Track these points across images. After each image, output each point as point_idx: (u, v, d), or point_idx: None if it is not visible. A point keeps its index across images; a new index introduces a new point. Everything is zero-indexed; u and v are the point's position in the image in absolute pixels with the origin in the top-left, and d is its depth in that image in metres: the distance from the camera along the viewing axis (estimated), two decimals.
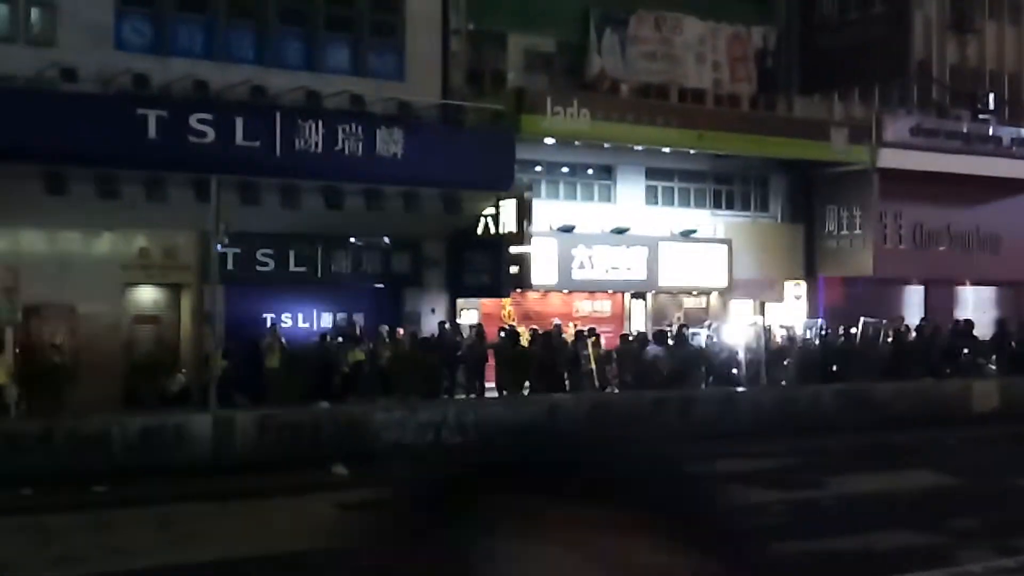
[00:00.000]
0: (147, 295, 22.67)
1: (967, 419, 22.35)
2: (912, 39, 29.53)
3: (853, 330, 26.34)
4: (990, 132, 30.76)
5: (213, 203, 18.43)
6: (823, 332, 26.36)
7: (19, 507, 13.71)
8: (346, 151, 21.89)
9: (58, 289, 20.24)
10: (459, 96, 24.99)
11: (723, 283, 28.40)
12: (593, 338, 23.49)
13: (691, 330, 25.33)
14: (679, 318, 27.25)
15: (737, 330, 25.26)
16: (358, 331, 22.47)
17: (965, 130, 30.31)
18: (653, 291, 27.73)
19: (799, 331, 26.50)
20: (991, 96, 32.28)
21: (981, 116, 31.41)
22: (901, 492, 15.36)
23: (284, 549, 11.40)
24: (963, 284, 32.00)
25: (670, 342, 23.75)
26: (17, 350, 19.06)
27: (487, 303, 25.46)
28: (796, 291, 30.08)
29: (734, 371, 23.84)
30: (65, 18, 21.06)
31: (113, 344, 20.97)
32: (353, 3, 24.48)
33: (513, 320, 25.05)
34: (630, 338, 24.67)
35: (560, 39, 27.17)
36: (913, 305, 31.20)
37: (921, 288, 31.53)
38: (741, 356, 23.79)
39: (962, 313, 30.21)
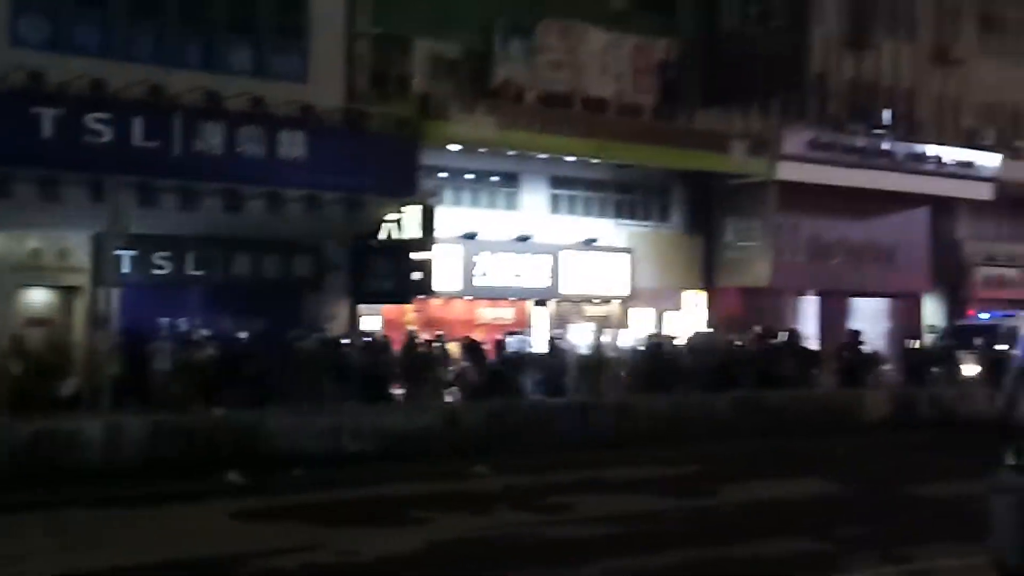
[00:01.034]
0: (39, 297, 22.10)
1: (858, 427, 22.78)
2: (810, 54, 30.14)
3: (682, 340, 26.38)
4: (885, 147, 31.47)
5: (110, 204, 18.13)
6: (657, 344, 25.94)
7: None
8: (247, 153, 21.63)
9: None
10: (363, 100, 24.83)
11: (625, 292, 28.69)
12: (439, 344, 23.34)
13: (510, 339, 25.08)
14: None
15: (546, 338, 25.45)
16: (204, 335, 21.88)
17: (861, 144, 31.01)
18: (555, 299, 27.79)
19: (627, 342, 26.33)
20: (887, 111, 33.06)
21: (877, 131, 32.16)
22: (791, 499, 15.55)
23: (179, 556, 11.24)
24: (857, 295, 32.62)
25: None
26: None
27: (389, 310, 25.32)
28: (695, 301, 30.46)
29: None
30: None
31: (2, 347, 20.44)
32: (256, 4, 24.21)
33: (415, 327, 24.93)
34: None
35: (466, 46, 27.22)
36: (809, 316, 31.78)
37: (816, 299, 32.11)
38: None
39: (855, 324, 30.84)
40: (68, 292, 22.15)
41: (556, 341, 24.93)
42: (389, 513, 13.73)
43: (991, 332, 26.25)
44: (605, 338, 25.73)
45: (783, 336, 27.15)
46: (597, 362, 23.64)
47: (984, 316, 29.96)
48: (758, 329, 27.07)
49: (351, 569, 10.93)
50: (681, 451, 19.49)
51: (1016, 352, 23.43)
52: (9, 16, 21.08)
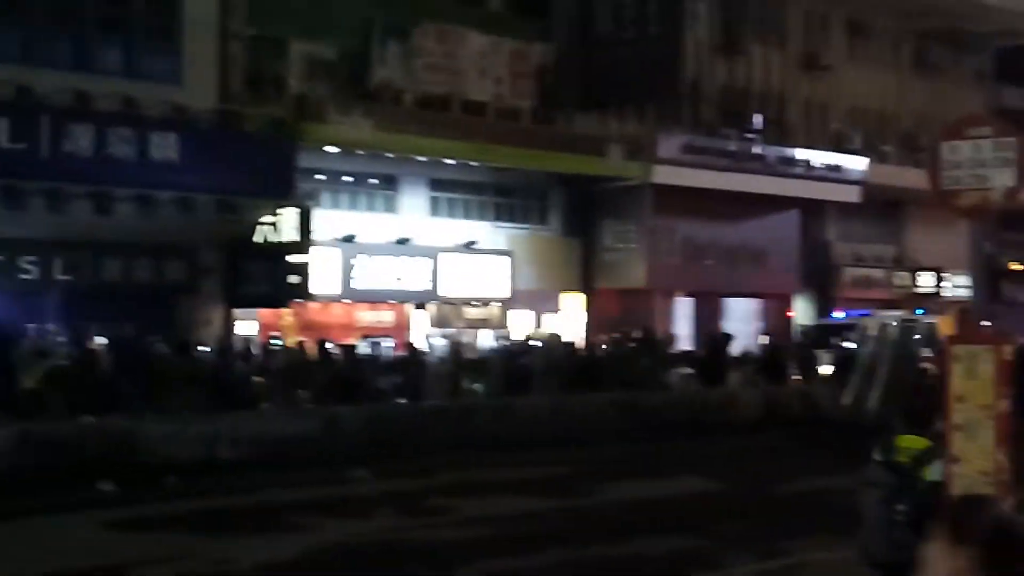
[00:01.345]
0: None
1: (731, 426, 23.09)
2: (684, 59, 30.51)
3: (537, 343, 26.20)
4: (756, 151, 32.05)
5: None
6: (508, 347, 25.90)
7: None
8: (118, 155, 21.22)
9: None
10: (238, 102, 24.60)
11: (504, 294, 28.77)
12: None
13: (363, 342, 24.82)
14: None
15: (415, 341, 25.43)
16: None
17: (733, 148, 31.57)
18: (435, 302, 27.77)
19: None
20: (758, 116, 33.70)
21: (748, 135, 32.76)
22: (670, 497, 15.73)
23: (50, 569, 11.00)
24: (730, 296, 33.15)
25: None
26: None
27: (265, 313, 25.09)
28: (574, 303, 30.69)
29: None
30: None
31: None
32: (128, 3, 23.78)
33: (293, 331, 24.70)
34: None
35: (343, 48, 27.05)
36: (683, 317, 32.21)
37: (691, 300, 32.57)
38: None
39: (728, 325, 31.35)
40: None
41: (415, 345, 24.78)
42: (268, 521, 13.57)
43: (848, 331, 26.74)
44: (466, 340, 25.82)
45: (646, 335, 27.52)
46: (454, 365, 23.55)
47: (840, 315, 30.39)
48: (616, 332, 27.32)
49: None
50: (561, 452, 19.46)
51: (863, 350, 24.06)
52: None
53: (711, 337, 28.00)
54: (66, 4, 23.06)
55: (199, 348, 21.42)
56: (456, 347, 24.26)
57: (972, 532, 3.28)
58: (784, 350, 27.75)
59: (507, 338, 26.88)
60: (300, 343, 23.01)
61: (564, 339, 26.12)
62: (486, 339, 26.83)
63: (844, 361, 24.83)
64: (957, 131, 7.11)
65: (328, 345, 22.48)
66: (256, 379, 21.10)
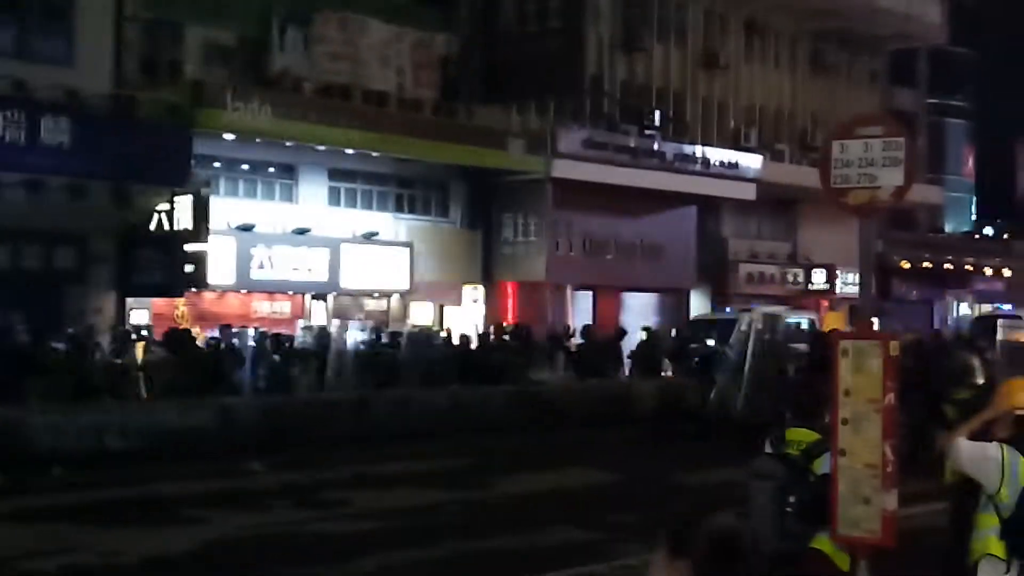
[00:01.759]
0: None
1: (626, 418, 23.27)
2: (585, 55, 30.74)
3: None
4: (655, 147, 32.35)
5: None
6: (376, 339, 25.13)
7: None
8: (6, 139, 20.76)
9: None
10: (133, 86, 24.27)
11: (404, 286, 28.75)
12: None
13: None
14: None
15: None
16: None
17: (633, 144, 31.82)
18: (335, 292, 27.64)
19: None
20: (657, 113, 34.03)
21: (647, 132, 33.05)
22: (565, 488, 15.82)
23: None
24: (628, 290, 33.41)
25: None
26: None
27: (159, 303, 24.79)
28: (474, 295, 30.74)
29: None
30: None
31: None
32: None
33: (187, 321, 24.37)
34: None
35: (241, 34, 26.93)
36: (583, 310, 32.41)
37: (590, 294, 32.78)
38: None
39: (626, 318, 31.62)
40: None
41: (278, 335, 24.19)
42: (159, 513, 13.36)
43: (728, 326, 26.85)
44: (334, 331, 25.60)
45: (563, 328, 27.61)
46: (316, 355, 23.37)
47: (728, 310, 30.40)
48: (492, 326, 27.45)
49: (113, 571, 10.70)
50: (458, 444, 19.59)
51: (731, 346, 24.23)
52: None
53: (588, 330, 28.05)
54: None
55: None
56: (323, 337, 23.80)
57: (690, 545, 3.29)
58: (659, 345, 27.82)
59: (376, 329, 26.33)
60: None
61: (442, 332, 26.26)
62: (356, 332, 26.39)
63: (706, 357, 24.95)
64: (848, 131, 7.20)
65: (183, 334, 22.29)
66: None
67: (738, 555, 3.27)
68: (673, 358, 26.82)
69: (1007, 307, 32.96)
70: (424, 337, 25.15)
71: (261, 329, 24.04)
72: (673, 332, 29.72)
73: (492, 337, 26.31)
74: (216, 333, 23.07)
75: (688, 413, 22.44)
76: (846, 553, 6.28)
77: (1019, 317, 26.70)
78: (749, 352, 22.95)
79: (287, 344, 23.14)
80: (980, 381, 10.60)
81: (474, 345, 25.59)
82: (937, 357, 18.62)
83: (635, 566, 10.81)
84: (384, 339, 24.60)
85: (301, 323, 26.36)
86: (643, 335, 27.77)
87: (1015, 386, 6.84)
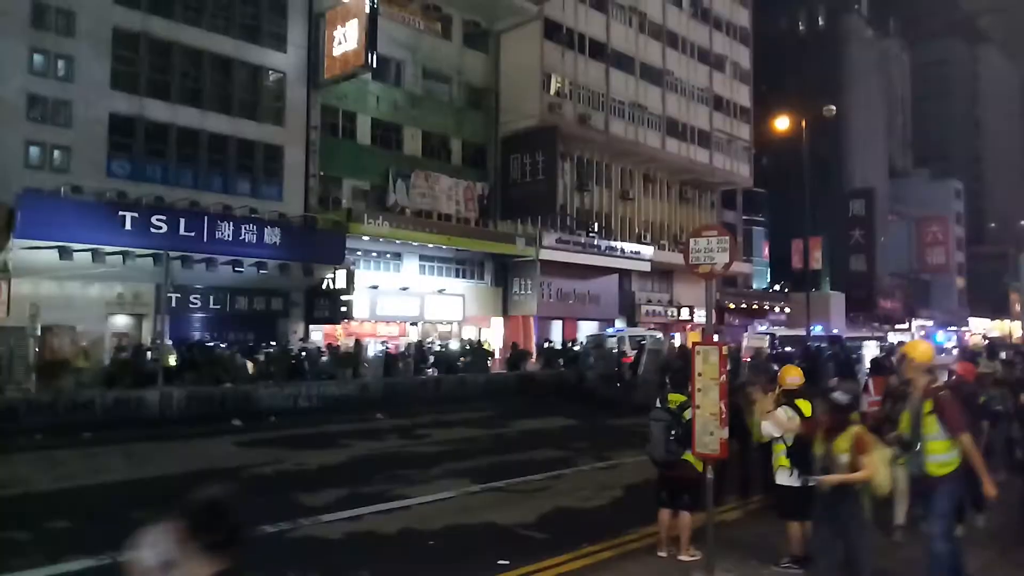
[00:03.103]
0: (122, 321, 20.96)
1: (572, 393, 22.01)
2: (556, 193, 31.09)
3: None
4: (595, 243, 32.58)
5: (164, 268, 17.48)
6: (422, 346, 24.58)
7: (33, 446, 12.50)
8: (246, 240, 21.08)
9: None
10: (314, 211, 24.53)
11: (459, 318, 28.80)
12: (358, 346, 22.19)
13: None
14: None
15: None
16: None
17: (583, 241, 32.00)
18: (421, 321, 27.73)
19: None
20: (596, 224, 34.28)
21: (591, 234, 33.28)
22: (549, 428, 15.86)
23: (201, 467, 10.76)
24: (581, 320, 33.44)
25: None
26: (36, 350, 17.10)
27: (327, 328, 24.80)
28: (497, 323, 30.84)
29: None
30: None
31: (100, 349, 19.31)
32: (253, 156, 23.74)
33: (342, 338, 24.48)
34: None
35: (373, 183, 27.21)
36: (557, 331, 32.39)
37: (561, 322, 32.85)
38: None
39: (580, 336, 31.54)
40: (138, 318, 21.02)
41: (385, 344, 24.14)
42: (326, 442, 13.41)
43: (607, 338, 25.55)
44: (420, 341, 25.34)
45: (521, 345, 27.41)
46: (411, 355, 23.18)
47: (612, 330, 29.21)
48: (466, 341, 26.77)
49: (303, 473, 10.69)
50: (489, 404, 19.43)
51: (585, 349, 23.22)
52: None
53: (514, 345, 27.35)
54: (219, 155, 22.97)
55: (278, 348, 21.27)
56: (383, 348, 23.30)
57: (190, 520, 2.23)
58: (553, 350, 27.59)
59: (444, 342, 26.11)
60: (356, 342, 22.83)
61: (475, 343, 26.19)
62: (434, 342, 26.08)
63: (572, 358, 25.18)
64: (698, 232, 7.32)
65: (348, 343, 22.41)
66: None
67: (223, 514, 2.23)
68: (559, 358, 26.59)
69: (777, 329, 31.96)
70: (471, 345, 25.37)
71: (382, 341, 24.32)
72: (570, 343, 29.25)
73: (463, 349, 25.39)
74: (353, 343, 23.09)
75: (568, 389, 22.27)
76: (701, 461, 6.36)
77: (769, 334, 25.92)
78: (598, 353, 23.11)
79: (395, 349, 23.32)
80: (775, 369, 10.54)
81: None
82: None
83: (586, 470, 11.07)
84: (450, 347, 24.84)
85: (403, 339, 26.58)
86: (547, 344, 28.21)
87: (785, 370, 7.07)
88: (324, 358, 21.10)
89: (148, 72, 21.57)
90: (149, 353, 18.36)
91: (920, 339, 7.03)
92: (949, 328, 53.46)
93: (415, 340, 25.78)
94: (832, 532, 5.23)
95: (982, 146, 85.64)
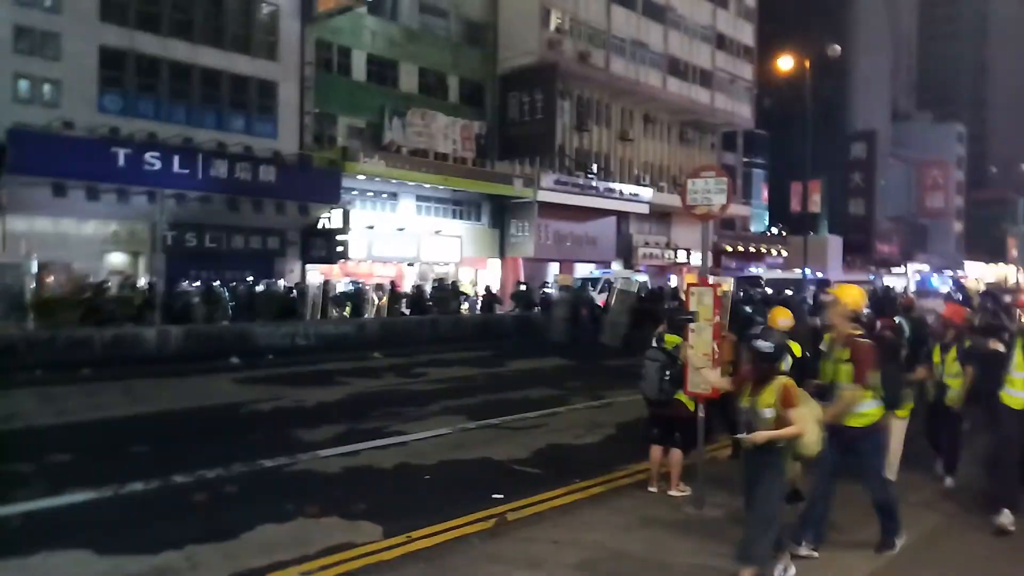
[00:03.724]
0: (118, 259, 20.89)
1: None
2: (555, 133, 30.71)
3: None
4: (594, 184, 32.38)
5: (159, 207, 17.37)
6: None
7: (32, 381, 12.61)
8: (240, 178, 20.92)
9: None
10: (309, 149, 24.26)
11: (457, 259, 28.75)
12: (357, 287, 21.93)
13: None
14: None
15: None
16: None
17: (581, 183, 31.80)
18: (418, 263, 27.72)
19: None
20: (595, 165, 34.03)
21: (589, 176, 33.04)
22: (544, 368, 15.93)
23: (203, 404, 10.88)
24: (578, 262, 33.48)
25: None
26: (32, 286, 17.04)
27: (323, 268, 24.78)
28: (494, 264, 30.85)
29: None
30: None
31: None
32: (247, 92, 23.30)
33: (340, 277, 24.48)
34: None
35: (368, 120, 26.80)
36: (552, 274, 32.43)
37: (558, 264, 32.87)
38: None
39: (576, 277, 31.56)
40: (135, 256, 20.91)
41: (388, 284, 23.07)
42: (324, 380, 13.48)
43: (596, 281, 24.92)
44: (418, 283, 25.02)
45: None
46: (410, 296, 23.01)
47: (597, 273, 28.81)
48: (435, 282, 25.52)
49: (302, 409, 10.80)
50: (486, 344, 19.48)
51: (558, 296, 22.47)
52: None
53: (488, 289, 25.98)
54: (212, 91, 22.54)
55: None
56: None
57: None
58: (530, 294, 25.34)
59: (440, 282, 24.95)
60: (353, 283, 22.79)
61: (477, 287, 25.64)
62: (430, 284, 25.09)
63: (545, 301, 23.68)
64: (696, 174, 7.25)
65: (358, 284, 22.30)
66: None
67: None
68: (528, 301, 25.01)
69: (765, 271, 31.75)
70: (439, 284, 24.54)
71: (376, 282, 24.04)
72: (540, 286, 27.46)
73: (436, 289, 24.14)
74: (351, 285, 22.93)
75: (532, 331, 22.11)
76: (693, 401, 6.44)
77: (758, 277, 25.52)
78: (559, 299, 22.11)
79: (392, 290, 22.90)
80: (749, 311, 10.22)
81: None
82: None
83: (579, 408, 11.15)
84: (446, 287, 24.65)
85: (402, 278, 26.53)
86: (521, 287, 25.91)
87: (775, 311, 7.06)
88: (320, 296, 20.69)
89: (138, 3, 20.99)
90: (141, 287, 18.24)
91: (852, 284, 6.66)
92: (945, 272, 53.69)
93: (416, 284, 25.69)
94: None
95: (987, 89, 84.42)
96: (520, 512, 6.09)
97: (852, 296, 5.26)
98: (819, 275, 29.40)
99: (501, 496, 6.46)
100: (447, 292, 23.54)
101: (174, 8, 21.72)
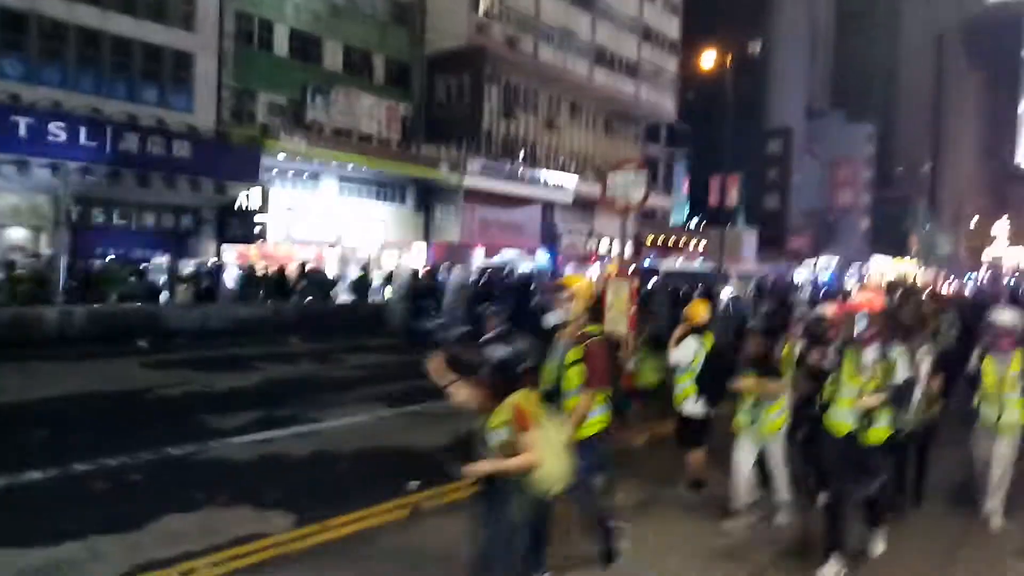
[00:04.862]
0: (18, 234, 19.76)
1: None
2: (482, 117, 30.66)
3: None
4: (519, 172, 32.51)
5: (61, 179, 16.53)
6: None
7: None
8: (153, 152, 20.09)
9: None
10: (227, 125, 23.54)
11: (381, 243, 28.48)
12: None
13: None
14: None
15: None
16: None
17: (507, 169, 31.87)
18: (340, 246, 27.30)
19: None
20: (521, 152, 34.14)
21: (516, 162, 33.13)
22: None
23: (110, 389, 10.55)
24: (504, 248, 33.59)
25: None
26: None
27: (240, 248, 24.12)
28: (419, 248, 30.68)
29: None
30: None
31: None
32: (161, 63, 22.35)
33: (257, 259, 23.86)
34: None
35: (290, 97, 26.19)
36: (478, 259, 32.48)
37: (483, 249, 32.88)
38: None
39: (504, 262, 31.73)
40: (36, 231, 19.84)
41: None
42: (238, 365, 13.18)
43: (497, 270, 23.43)
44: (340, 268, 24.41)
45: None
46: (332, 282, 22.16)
47: (497, 260, 28.65)
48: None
49: (211, 394, 10.57)
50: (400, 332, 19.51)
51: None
52: None
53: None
54: (123, 60, 21.52)
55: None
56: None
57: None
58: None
59: (364, 268, 23.88)
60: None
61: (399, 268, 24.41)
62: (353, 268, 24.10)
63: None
64: (617, 166, 7.48)
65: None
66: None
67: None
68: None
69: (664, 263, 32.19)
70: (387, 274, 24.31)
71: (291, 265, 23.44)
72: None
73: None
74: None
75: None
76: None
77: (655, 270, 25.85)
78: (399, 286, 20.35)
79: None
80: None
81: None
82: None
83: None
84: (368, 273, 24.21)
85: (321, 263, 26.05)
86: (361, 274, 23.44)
87: (693, 304, 7.19)
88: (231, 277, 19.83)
89: None
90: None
91: (578, 274, 6.26)
92: (853, 264, 56.47)
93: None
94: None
95: (896, 93, 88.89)
96: (437, 501, 6.13)
97: (582, 289, 4.62)
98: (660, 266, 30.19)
99: (418, 483, 6.51)
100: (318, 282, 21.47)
101: None
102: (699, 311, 6.66)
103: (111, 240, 20.74)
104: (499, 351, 3.64)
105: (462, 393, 3.78)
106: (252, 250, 24.29)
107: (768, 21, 60.34)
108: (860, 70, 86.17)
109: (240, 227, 22.94)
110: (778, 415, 5.67)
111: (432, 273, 21.39)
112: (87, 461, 6.87)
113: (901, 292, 14.83)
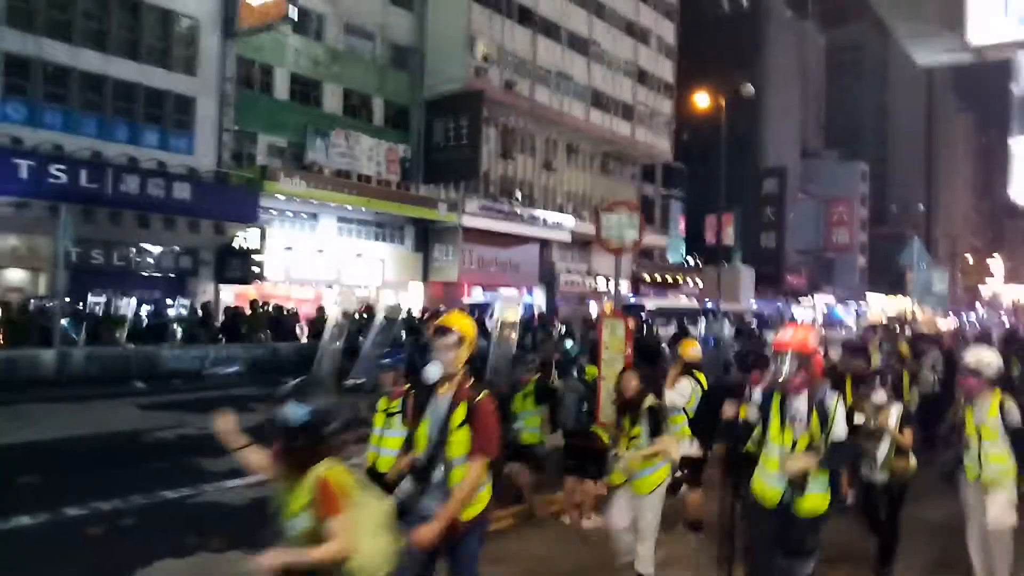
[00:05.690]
0: (16, 275, 19.74)
1: None
2: (480, 159, 30.91)
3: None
4: (517, 211, 32.69)
5: (61, 221, 16.53)
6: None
7: None
8: (153, 194, 20.21)
9: None
10: (227, 167, 23.68)
11: (379, 283, 28.50)
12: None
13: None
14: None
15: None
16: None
17: (506, 209, 32.06)
18: (338, 286, 27.28)
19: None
20: (519, 192, 34.37)
21: (514, 202, 33.34)
22: None
23: (107, 430, 10.40)
24: (502, 287, 33.60)
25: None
26: None
27: (238, 289, 24.10)
28: (417, 288, 30.67)
29: None
30: None
31: None
32: (163, 107, 22.61)
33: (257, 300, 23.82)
34: None
35: (290, 139, 26.43)
36: (477, 299, 32.43)
37: (481, 288, 32.91)
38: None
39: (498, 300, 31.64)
40: (35, 272, 19.81)
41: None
42: (234, 405, 13.01)
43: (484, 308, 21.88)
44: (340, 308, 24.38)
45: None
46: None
47: (481, 299, 28.87)
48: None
49: (208, 438, 10.34)
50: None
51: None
52: None
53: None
54: (125, 104, 21.79)
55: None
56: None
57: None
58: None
59: (368, 308, 24.45)
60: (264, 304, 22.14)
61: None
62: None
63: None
64: (610, 208, 7.48)
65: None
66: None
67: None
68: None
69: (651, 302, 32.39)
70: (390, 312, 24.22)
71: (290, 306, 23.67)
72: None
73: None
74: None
75: None
76: (607, 432, 6.23)
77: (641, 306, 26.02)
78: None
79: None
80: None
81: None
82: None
83: None
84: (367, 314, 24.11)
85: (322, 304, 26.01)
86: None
87: (685, 343, 7.17)
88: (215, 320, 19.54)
89: (47, 10, 20.15)
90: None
91: (459, 312, 4.13)
92: (848, 302, 56.50)
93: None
94: None
95: (888, 131, 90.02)
96: None
97: (469, 332, 3.59)
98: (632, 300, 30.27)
99: None
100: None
101: (86, 17, 20.95)
102: (692, 348, 6.53)
103: (109, 281, 20.71)
104: (293, 413, 2.89)
105: (254, 460, 3.13)
106: (250, 290, 24.30)
107: (760, 63, 61.34)
108: (851, 110, 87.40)
109: (238, 267, 22.95)
110: (651, 471, 5.06)
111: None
112: (79, 505, 6.75)
113: (882, 328, 14.58)
